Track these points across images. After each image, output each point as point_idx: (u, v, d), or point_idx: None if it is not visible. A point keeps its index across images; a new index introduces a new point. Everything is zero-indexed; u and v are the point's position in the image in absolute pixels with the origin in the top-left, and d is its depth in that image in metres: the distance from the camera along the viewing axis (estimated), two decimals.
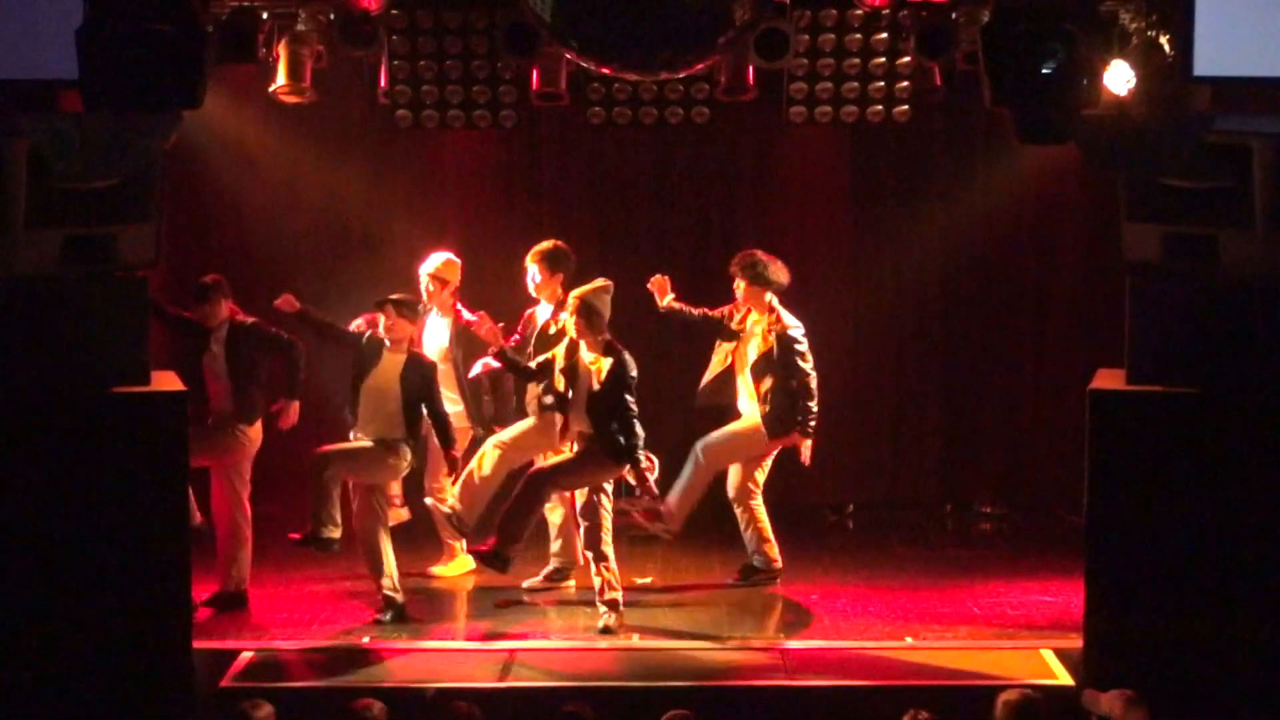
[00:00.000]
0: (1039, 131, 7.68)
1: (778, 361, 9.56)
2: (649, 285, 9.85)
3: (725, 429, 9.79)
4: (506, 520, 8.95)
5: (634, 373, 8.93)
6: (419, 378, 9.12)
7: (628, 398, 8.88)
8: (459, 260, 9.85)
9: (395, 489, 9.46)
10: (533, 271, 9.58)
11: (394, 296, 9.17)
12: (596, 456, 8.96)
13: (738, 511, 9.76)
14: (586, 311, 8.91)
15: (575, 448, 9.08)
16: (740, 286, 9.66)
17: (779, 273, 9.66)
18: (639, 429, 8.91)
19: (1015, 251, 11.70)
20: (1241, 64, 8.03)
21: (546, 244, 9.62)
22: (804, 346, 9.61)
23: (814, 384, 9.59)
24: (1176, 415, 7.94)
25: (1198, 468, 7.90)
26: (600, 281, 9.08)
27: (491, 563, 8.97)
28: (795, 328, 9.62)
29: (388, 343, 9.13)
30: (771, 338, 9.57)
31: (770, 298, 9.64)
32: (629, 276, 11.28)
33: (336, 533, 9.02)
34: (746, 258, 9.68)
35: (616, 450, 8.89)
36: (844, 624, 9.09)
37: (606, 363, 8.91)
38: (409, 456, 9.15)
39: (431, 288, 9.72)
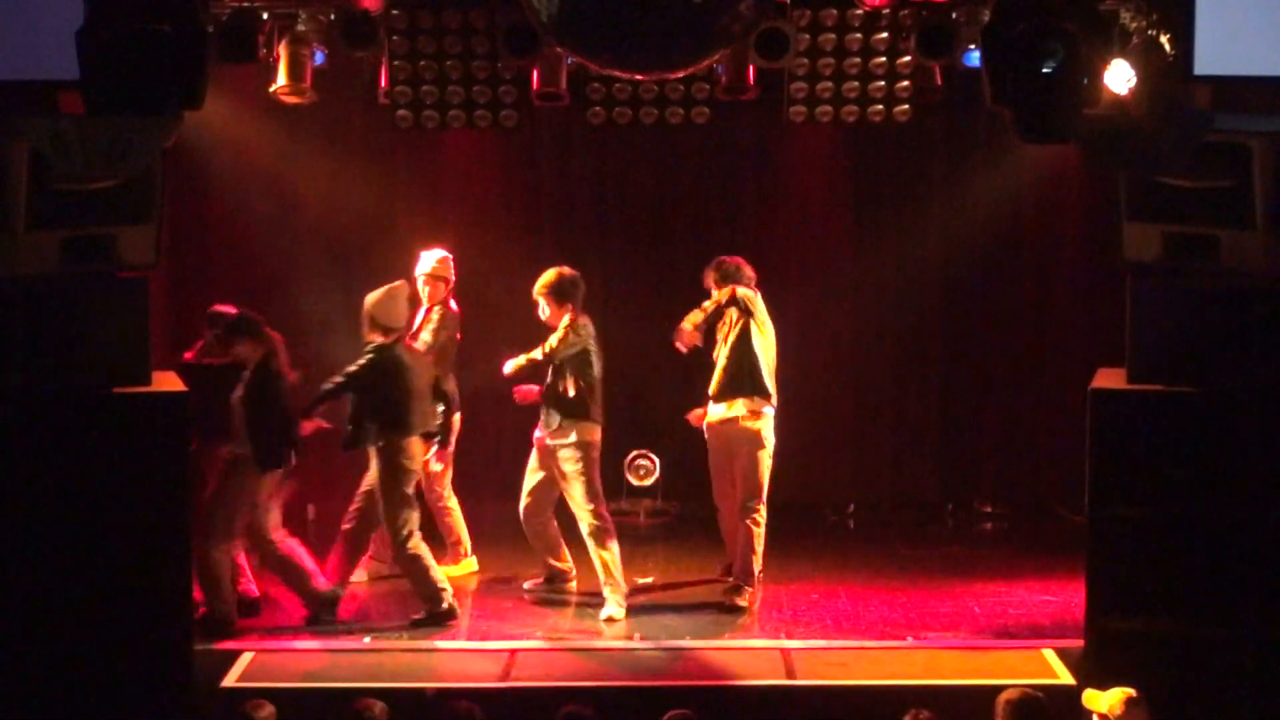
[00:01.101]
0: (1040, 131, 7.67)
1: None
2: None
3: (742, 466, 9.41)
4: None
5: (359, 368, 8.94)
6: (256, 390, 8.91)
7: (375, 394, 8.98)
8: (449, 254, 9.82)
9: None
10: (541, 305, 9.32)
11: (220, 316, 9.17)
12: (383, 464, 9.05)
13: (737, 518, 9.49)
14: (365, 318, 9.05)
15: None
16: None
17: (747, 269, 9.53)
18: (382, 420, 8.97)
19: (1015, 251, 11.70)
20: (1241, 63, 8.03)
21: (550, 275, 9.28)
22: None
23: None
24: (1176, 415, 7.95)
25: (1198, 468, 7.90)
26: (385, 289, 9.11)
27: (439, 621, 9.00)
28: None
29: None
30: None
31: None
32: (629, 277, 11.34)
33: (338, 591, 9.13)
34: (715, 264, 9.54)
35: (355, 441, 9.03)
36: (844, 624, 9.09)
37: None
38: (253, 473, 8.89)
39: (429, 289, 9.71)
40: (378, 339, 9.02)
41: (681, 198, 11.71)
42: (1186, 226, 7.87)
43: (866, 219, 11.72)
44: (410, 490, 9.08)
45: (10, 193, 7.57)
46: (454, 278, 9.83)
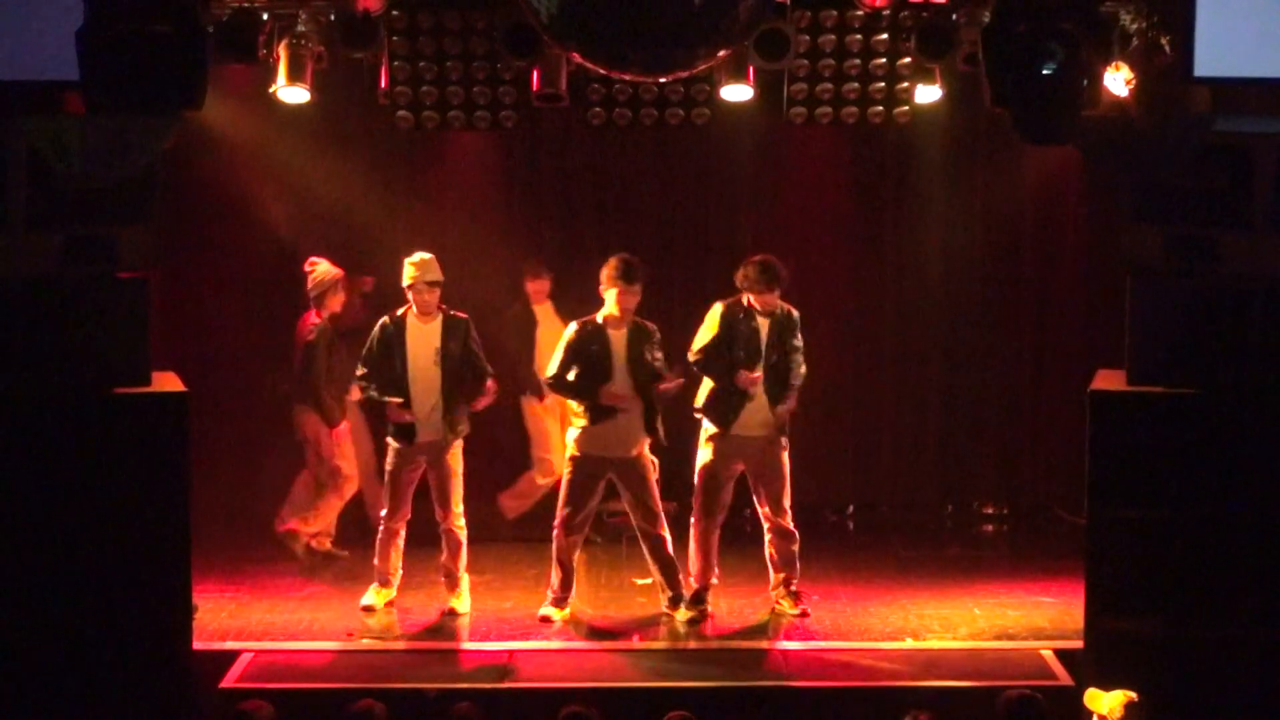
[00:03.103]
0: (1040, 132, 7.69)
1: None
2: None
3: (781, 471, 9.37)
4: None
5: None
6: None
7: None
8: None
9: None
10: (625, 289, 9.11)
11: None
12: None
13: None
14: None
15: None
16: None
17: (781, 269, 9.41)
18: None
19: (1015, 252, 11.70)
20: (1241, 64, 8.04)
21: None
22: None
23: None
24: (1176, 415, 7.95)
25: (1198, 468, 7.91)
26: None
27: None
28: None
29: None
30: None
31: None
32: None
33: None
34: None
35: None
36: (844, 624, 9.10)
37: None
38: None
39: (428, 295, 9.23)
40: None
41: (681, 198, 11.71)
42: (1186, 227, 7.87)
43: (866, 219, 11.72)
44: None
45: (10, 193, 7.58)
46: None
